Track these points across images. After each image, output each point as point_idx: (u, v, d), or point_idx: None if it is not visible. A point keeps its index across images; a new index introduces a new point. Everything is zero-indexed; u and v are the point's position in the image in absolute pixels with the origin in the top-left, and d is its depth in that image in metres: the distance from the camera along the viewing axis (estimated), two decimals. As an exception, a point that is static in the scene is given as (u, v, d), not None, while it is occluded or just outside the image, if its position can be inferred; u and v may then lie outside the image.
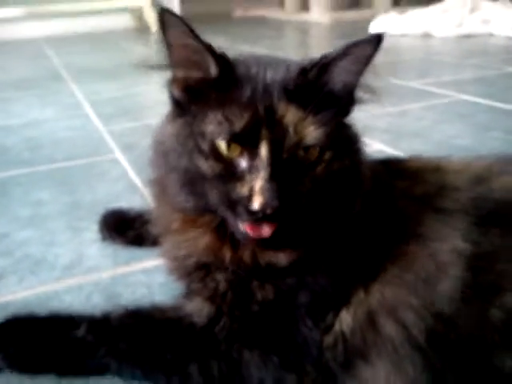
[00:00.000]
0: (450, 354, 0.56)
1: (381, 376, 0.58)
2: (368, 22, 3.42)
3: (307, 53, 2.89)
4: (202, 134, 0.56)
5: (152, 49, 3.21)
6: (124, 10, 4.23)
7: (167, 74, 0.61)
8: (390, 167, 0.69)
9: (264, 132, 0.54)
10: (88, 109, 1.90)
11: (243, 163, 0.55)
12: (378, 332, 0.58)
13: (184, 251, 0.65)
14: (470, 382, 0.56)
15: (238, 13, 5.27)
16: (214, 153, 0.56)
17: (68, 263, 0.89)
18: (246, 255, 0.61)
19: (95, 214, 0.97)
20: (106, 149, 1.45)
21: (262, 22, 4.75)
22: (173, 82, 0.61)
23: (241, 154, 0.55)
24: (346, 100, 0.60)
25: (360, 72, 0.59)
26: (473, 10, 3.15)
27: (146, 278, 0.84)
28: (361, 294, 0.60)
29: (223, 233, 0.60)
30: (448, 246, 0.59)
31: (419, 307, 0.57)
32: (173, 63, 0.59)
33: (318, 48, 3.24)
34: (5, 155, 1.45)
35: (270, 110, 0.55)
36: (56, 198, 1.14)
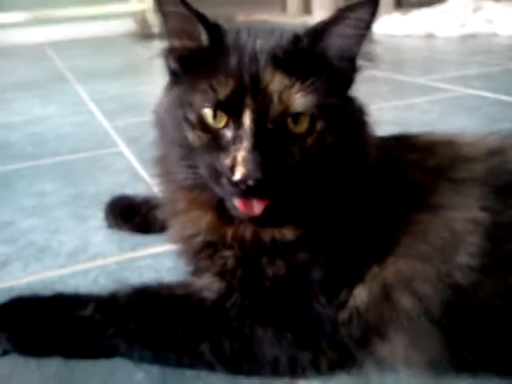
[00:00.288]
0: (468, 327, 0.54)
1: (398, 352, 0.56)
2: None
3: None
4: (190, 104, 0.56)
5: (155, 52, 3.21)
6: (127, 14, 4.24)
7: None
8: (402, 142, 0.68)
9: (248, 100, 0.53)
10: (92, 106, 1.89)
11: (228, 134, 0.54)
12: (393, 306, 0.56)
13: (190, 231, 0.64)
14: (491, 356, 0.55)
15: (241, 17, 5.28)
16: (201, 123, 0.55)
17: (73, 250, 0.87)
18: (248, 233, 0.59)
19: (100, 203, 0.96)
20: (111, 142, 1.44)
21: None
22: (169, 52, 0.60)
23: (227, 124, 0.54)
24: (345, 68, 0.57)
25: (358, 38, 0.56)
26: (476, 10, 3.14)
27: (153, 262, 0.82)
28: (375, 268, 0.58)
29: (224, 211, 0.59)
30: (463, 214, 0.57)
31: (435, 278, 0.55)
32: (168, 33, 0.59)
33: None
34: (8, 150, 1.44)
35: (256, 78, 0.54)
36: (60, 189, 1.13)
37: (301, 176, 0.55)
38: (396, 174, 0.62)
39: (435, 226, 0.57)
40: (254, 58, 0.55)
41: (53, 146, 1.44)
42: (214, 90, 0.54)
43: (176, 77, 0.61)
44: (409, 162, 0.63)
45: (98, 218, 0.95)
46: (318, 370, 0.58)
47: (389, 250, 0.58)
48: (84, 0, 3.95)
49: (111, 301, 0.63)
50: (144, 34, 4.03)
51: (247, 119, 0.53)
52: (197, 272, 0.64)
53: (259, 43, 0.56)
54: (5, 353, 0.63)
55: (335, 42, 0.56)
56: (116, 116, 1.72)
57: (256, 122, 0.53)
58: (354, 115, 0.60)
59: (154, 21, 3.99)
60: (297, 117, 0.54)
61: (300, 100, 0.54)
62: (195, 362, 0.59)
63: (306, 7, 4.74)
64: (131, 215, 0.90)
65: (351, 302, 0.58)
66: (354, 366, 0.58)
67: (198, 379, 0.59)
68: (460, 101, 1.68)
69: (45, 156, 1.36)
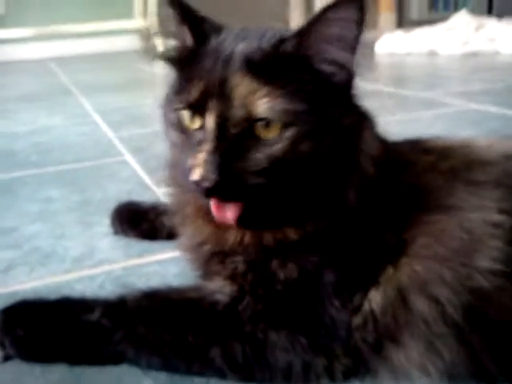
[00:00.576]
0: (489, 332, 0.53)
1: (414, 358, 0.54)
2: (373, 42, 3.44)
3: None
4: (171, 104, 0.59)
5: (159, 68, 3.22)
6: (131, 31, 4.28)
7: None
8: (417, 145, 0.67)
9: (211, 103, 0.53)
10: (96, 117, 1.89)
11: (199, 135, 0.55)
12: (409, 310, 0.55)
13: (197, 239, 0.63)
14: (512, 363, 0.53)
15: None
16: (180, 124, 0.57)
17: (78, 255, 0.86)
18: (247, 238, 0.59)
19: (106, 209, 0.95)
20: (115, 152, 1.44)
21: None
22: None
23: (201, 126, 0.55)
24: (332, 73, 0.55)
25: (346, 40, 0.53)
26: (478, 28, 3.17)
27: (160, 269, 0.80)
28: (390, 270, 0.56)
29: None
30: (481, 216, 0.55)
31: (454, 281, 0.53)
32: (172, 34, 0.62)
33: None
34: (12, 158, 1.43)
35: (224, 81, 0.54)
36: (65, 196, 1.12)
37: (274, 181, 0.54)
38: (411, 176, 0.61)
39: (452, 227, 0.56)
40: (228, 61, 0.55)
41: (58, 155, 1.44)
42: (188, 92, 0.55)
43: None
44: (424, 165, 0.62)
45: (104, 224, 0.94)
46: (332, 378, 0.56)
47: (403, 250, 0.56)
48: (88, 16, 3.98)
49: (119, 305, 0.61)
50: (148, 51, 4.06)
51: (210, 122, 0.54)
52: (207, 276, 0.63)
53: (239, 46, 0.56)
54: (7, 358, 0.61)
55: (319, 44, 0.54)
56: (120, 127, 1.71)
57: (219, 125, 0.53)
58: (345, 123, 0.57)
59: (158, 38, 4.03)
60: (268, 122, 0.53)
61: (265, 105, 0.52)
62: (205, 368, 0.57)
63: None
64: (138, 221, 0.89)
65: (366, 306, 0.56)
66: (368, 373, 0.56)
67: (207, 387, 0.57)
68: (464, 115, 1.69)
69: (50, 164, 1.35)
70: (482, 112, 1.71)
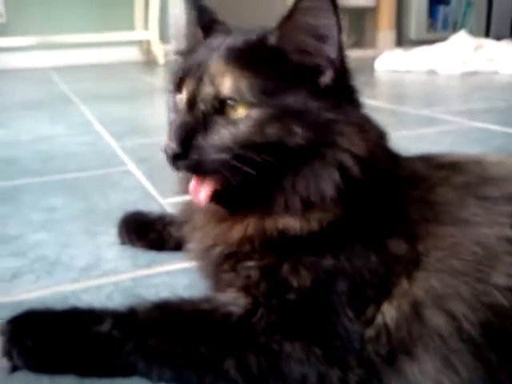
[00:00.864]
0: (507, 349, 0.52)
1: (428, 373, 0.54)
2: (372, 60, 3.47)
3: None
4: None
5: (160, 79, 3.23)
6: (132, 42, 4.29)
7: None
8: (429, 161, 0.67)
9: (187, 81, 0.60)
10: (99, 127, 1.88)
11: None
12: (424, 324, 0.54)
13: (207, 243, 0.64)
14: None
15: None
16: (174, 106, 0.63)
17: (85, 265, 0.85)
18: (250, 227, 0.60)
19: (111, 219, 0.94)
20: (119, 161, 1.43)
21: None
22: None
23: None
24: (310, 63, 0.57)
25: (323, 29, 0.56)
26: (477, 48, 3.21)
27: (169, 280, 0.79)
28: (404, 283, 0.56)
29: (225, 216, 0.62)
30: (494, 231, 0.55)
31: (471, 298, 0.53)
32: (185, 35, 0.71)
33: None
34: (14, 166, 1.42)
35: (201, 65, 0.59)
36: (69, 205, 1.11)
37: (241, 161, 0.56)
38: (423, 190, 0.61)
39: (466, 241, 0.55)
40: (214, 50, 0.60)
41: (61, 164, 1.43)
42: (177, 75, 0.62)
43: None
44: (436, 179, 0.62)
45: (110, 233, 0.93)
46: None
47: (418, 263, 0.56)
48: (90, 27, 4.00)
49: (130, 316, 0.60)
50: (149, 63, 4.07)
51: (183, 97, 0.60)
52: (219, 286, 0.62)
53: (230, 39, 0.61)
54: (14, 369, 0.60)
55: (294, 35, 0.57)
56: (123, 137, 1.71)
57: (190, 100, 0.58)
58: (323, 117, 0.57)
59: (159, 50, 4.05)
60: (236, 103, 0.56)
61: (231, 85, 0.56)
62: (219, 380, 0.56)
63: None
64: (145, 231, 0.88)
65: (379, 319, 0.55)
66: None
67: (220, 400, 0.56)
68: (467, 133, 1.69)
69: (52, 172, 1.34)
70: (484, 130, 1.72)
